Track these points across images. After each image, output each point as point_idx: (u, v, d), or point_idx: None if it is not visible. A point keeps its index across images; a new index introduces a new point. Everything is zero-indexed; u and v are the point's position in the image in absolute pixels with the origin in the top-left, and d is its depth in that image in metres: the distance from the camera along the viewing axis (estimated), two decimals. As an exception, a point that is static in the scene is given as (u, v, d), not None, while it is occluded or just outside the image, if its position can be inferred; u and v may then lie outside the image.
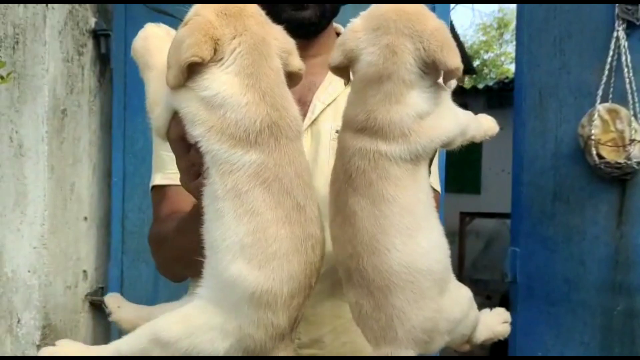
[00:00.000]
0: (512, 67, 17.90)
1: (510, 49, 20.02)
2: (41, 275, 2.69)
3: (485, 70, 19.71)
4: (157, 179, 1.50)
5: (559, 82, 2.77)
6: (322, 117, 1.48)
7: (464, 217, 9.10)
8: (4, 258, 2.68)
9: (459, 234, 9.11)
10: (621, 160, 2.53)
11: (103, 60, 3.03)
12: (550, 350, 2.75)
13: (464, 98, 9.77)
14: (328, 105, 1.49)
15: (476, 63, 17.95)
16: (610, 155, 2.56)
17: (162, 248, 1.37)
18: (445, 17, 2.84)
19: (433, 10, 2.87)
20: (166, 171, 1.48)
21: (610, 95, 2.62)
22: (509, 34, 19.90)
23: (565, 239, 2.74)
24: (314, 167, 1.42)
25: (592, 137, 2.57)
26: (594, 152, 2.57)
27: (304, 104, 1.49)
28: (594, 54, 2.67)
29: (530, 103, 2.83)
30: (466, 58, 10.38)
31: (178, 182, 1.40)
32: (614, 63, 2.61)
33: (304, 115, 1.47)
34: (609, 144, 2.56)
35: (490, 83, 9.93)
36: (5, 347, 2.69)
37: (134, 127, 2.90)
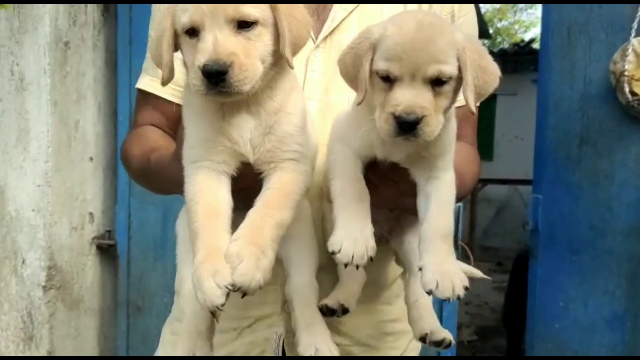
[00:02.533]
0: (525, 36, 17.50)
1: (525, 17, 19.57)
2: (46, 214, 2.61)
3: (499, 39, 19.30)
4: (144, 83, 1.43)
5: (589, 18, 2.60)
6: (344, 25, 1.34)
7: (475, 184, 8.88)
8: (6, 196, 2.60)
9: (470, 201, 9.00)
10: (656, 97, 2.38)
11: (107, -8, 2.89)
12: (572, 300, 2.65)
13: (478, 63, 9.48)
14: (351, 12, 1.34)
15: (490, 31, 17.56)
16: (644, 92, 2.41)
17: (131, 169, 1.39)
18: None
19: None
20: (154, 76, 1.39)
21: (646, 30, 2.46)
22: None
23: (592, 183, 2.61)
24: (332, 81, 1.31)
25: (626, 73, 2.41)
26: (627, 89, 2.42)
27: (324, 9, 1.35)
28: (629, -15, 2.50)
29: (557, 42, 2.66)
30: (481, 22, 10.12)
31: (161, 91, 1.39)
32: (651, -6, 2.44)
33: (323, 19, 1.34)
34: (644, 80, 2.41)
35: (506, 46, 9.69)
36: (10, 288, 2.62)
37: (141, 63, 2.74)
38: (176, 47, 1.07)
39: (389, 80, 1.02)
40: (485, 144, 10.06)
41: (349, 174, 1.13)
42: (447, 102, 1.03)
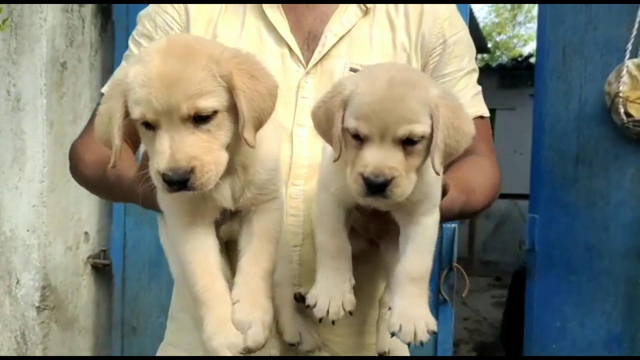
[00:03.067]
0: (524, 50, 17.58)
1: (524, 31, 19.67)
2: (40, 234, 2.60)
3: (497, 53, 19.40)
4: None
5: (584, 39, 2.61)
6: (334, 52, 1.35)
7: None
8: (2, 216, 2.59)
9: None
10: (651, 118, 2.38)
11: (104, 13, 2.90)
12: (569, 321, 2.63)
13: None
14: (341, 37, 1.35)
15: (489, 45, 17.66)
16: (639, 113, 2.42)
17: (82, 175, 1.39)
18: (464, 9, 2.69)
19: None
20: None
21: (641, 51, 2.47)
22: (522, 16, 19.53)
23: (588, 204, 2.60)
24: None
25: (620, 94, 2.42)
26: (622, 110, 2.43)
27: (314, 38, 1.36)
28: (623, 7, 2.52)
29: (552, 62, 2.68)
30: (479, 36, 10.17)
31: None
32: (645, 16, 2.46)
33: (313, 49, 1.36)
34: (638, 101, 2.42)
35: (504, 61, 9.73)
36: (4, 308, 2.61)
37: (137, 84, 2.76)
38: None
39: (359, 138, 1.00)
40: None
41: (331, 227, 1.14)
42: (419, 160, 1.02)
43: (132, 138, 1.30)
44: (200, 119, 0.97)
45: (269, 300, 1.10)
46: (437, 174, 1.02)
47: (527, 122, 2.97)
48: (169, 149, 0.94)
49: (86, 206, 2.87)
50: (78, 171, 1.40)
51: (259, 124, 1.02)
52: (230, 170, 1.05)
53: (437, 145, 0.99)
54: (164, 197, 1.11)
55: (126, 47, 2.79)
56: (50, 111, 2.58)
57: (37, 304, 2.61)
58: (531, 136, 2.75)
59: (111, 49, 2.89)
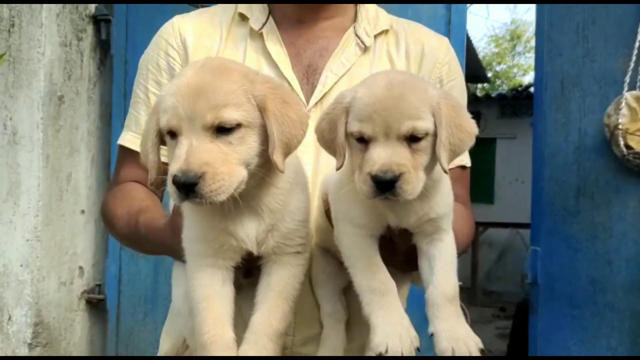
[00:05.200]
0: (524, 79, 17.73)
1: (523, 61, 19.87)
2: (34, 269, 2.57)
3: (498, 82, 19.57)
4: (127, 139, 1.42)
5: (582, 71, 2.61)
6: (334, 89, 1.35)
7: (477, 227, 8.84)
8: (-5, 251, 2.56)
9: (472, 244, 8.87)
10: (651, 150, 2.36)
11: (103, 47, 2.92)
12: (574, 357, 2.57)
13: (477, 107, 9.67)
14: (341, 77, 1.36)
15: (488, 75, 17.82)
16: (639, 145, 2.40)
17: (115, 229, 1.37)
18: (462, 18, 2.71)
19: (449, 10, 2.74)
20: (137, 132, 1.39)
21: (638, 83, 2.46)
22: (521, 46, 19.75)
23: (590, 236, 2.56)
24: None
25: (620, 127, 2.40)
26: (622, 143, 2.41)
27: (314, 72, 1.37)
28: (620, 39, 2.52)
29: (551, 94, 2.67)
30: (479, 66, 10.26)
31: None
32: (642, 49, 2.46)
33: (314, 85, 1.36)
34: (638, 133, 2.40)
35: (504, 91, 9.80)
36: (-5, 345, 2.56)
37: (135, 117, 2.77)
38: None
39: (364, 141, 1.01)
40: (485, 187, 10.04)
41: (371, 261, 1.10)
42: (425, 158, 1.02)
43: (160, 188, 1.33)
44: (222, 130, 0.97)
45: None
46: (445, 172, 1.02)
47: (528, 151, 2.95)
48: (185, 154, 0.94)
49: (81, 240, 2.84)
50: (112, 227, 1.39)
51: (287, 150, 1.02)
52: (256, 211, 1.05)
53: (442, 142, 1.00)
54: (189, 233, 1.09)
55: (124, 80, 2.84)
56: (47, 144, 2.58)
57: (29, 341, 2.56)
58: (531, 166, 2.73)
59: (109, 82, 2.91)
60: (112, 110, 2.88)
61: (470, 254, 8.85)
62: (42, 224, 2.58)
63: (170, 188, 0.96)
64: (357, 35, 1.39)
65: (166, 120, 0.98)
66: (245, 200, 1.03)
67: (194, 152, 0.94)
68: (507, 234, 9.33)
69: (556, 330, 2.61)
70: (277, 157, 0.99)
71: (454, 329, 1.04)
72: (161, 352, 1.42)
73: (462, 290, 2.52)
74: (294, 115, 1.02)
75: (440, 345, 1.04)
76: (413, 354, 1.05)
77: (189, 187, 0.94)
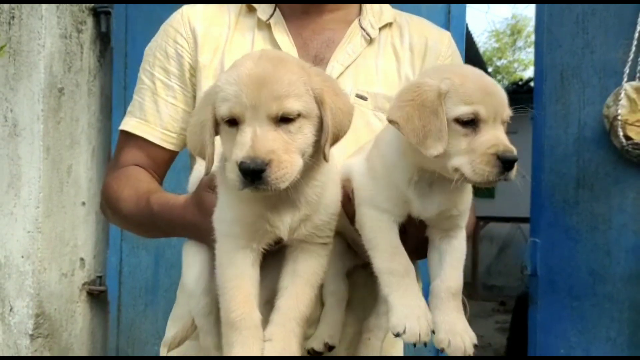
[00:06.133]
0: (525, 74, 17.69)
1: (524, 56, 19.84)
2: (35, 261, 2.57)
3: (498, 77, 19.54)
4: (131, 125, 1.43)
5: (582, 63, 2.61)
6: (340, 79, 1.36)
7: (477, 222, 8.89)
8: (-4, 242, 2.57)
9: (472, 239, 8.91)
10: (651, 141, 2.36)
11: (103, 39, 2.92)
12: (573, 348, 2.57)
13: (478, 101, 9.51)
14: (347, 67, 1.38)
15: (489, 70, 17.80)
16: (638, 136, 2.39)
17: (122, 211, 1.36)
18: (462, 12, 2.71)
19: (448, 11, 2.73)
20: (141, 118, 1.40)
21: (638, 74, 2.46)
22: (522, 41, 19.71)
23: (590, 228, 2.56)
24: None
25: (619, 118, 2.40)
26: (621, 133, 2.40)
27: (320, 62, 1.38)
28: (620, 30, 2.51)
29: (550, 86, 2.66)
30: (479, 61, 10.25)
31: (148, 134, 1.39)
32: (642, 39, 2.45)
33: None
34: (637, 124, 2.40)
35: (505, 85, 9.78)
36: (-4, 336, 2.57)
37: (135, 109, 2.77)
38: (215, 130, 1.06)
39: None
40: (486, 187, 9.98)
41: (391, 247, 1.12)
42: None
43: (161, 169, 1.37)
44: (284, 120, 0.99)
45: (299, 347, 1.10)
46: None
47: (529, 146, 2.96)
48: (250, 141, 0.96)
49: (82, 232, 2.85)
50: (118, 209, 1.37)
51: (336, 141, 1.06)
52: (294, 201, 1.08)
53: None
54: (224, 215, 1.10)
55: (125, 73, 2.84)
56: (47, 136, 2.58)
57: (30, 332, 2.57)
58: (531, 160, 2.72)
59: (110, 74, 2.91)
60: (112, 102, 2.88)
61: (471, 248, 8.82)
62: (43, 215, 2.58)
63: (232, 174, 0.97)
64: (362, 28, 1.41)
65: (228, 108, 0.99)
66: (286, 191, 1.04)
67: (259, 139, 0.96)
68: (508, 228, 9.34)
69: (556, 321, 2.61)
70: (327, 147, 1.03)
71: (453, 323, 1.08)
72: (167, 338, 1.43)
73: (463, 284, 2.53)
74: (344, 107, 1.06)
75: (438, 336, 1.07)
76: (429, 337, 1.08)
77: (255, 174, 0.94)
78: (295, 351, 1.08)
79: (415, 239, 1.15)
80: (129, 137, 1.42)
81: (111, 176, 1.42)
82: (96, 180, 2.92)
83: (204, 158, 1.07)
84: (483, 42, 19.95)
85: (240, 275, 1.09)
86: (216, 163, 1.10)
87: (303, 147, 1.01)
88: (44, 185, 2.57)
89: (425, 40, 1.42)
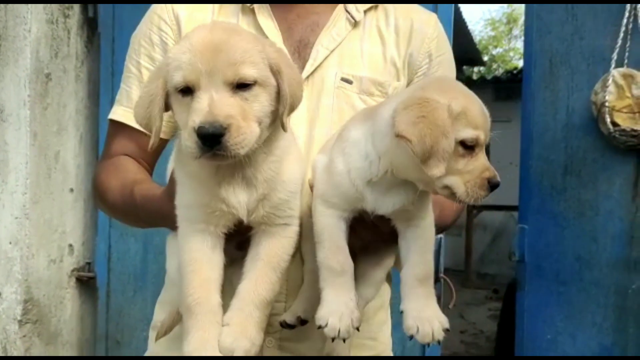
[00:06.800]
0: (520, 63, 17.64)
1: (519, 44, 19.79)
2: (23, 247, 2.57)
3: (494, 66, 19.48)
4: (118, 114, 1.42)
5: (571, 49, 2.61)
6: (325, 63, 1.36)
7: (470, 210, 8.91)
8: (-17, 229, 2.56)
9: (465, 227, 8.95)
10: (638, 127, 2.37)
11: (90, 25, 2.89)
12: (560, 333, 2.60)
13: (472, 90, 9.52)
14: (332, 51, 1.37)
15: (484, 59, 17.73)
16: (625, 122, 2.40)
17: (108, 201, 1.36)
18: (448, 12, 2.68)
19: (435, 9, 2.69)
20: (128, 107, 1.39)
21: (626, 60, 2.46)
22: (518, 30, 19.64)
23: (577, 214, 2.58)
24: (315, 116, 1.33)
25: (606, 104, 2.41)
26: (608, 120, 2.41)
27: (305, 46, 1.38)
28: (609, 17, 2.52)
29: (540, 72, 2.67)
30: (475, 50, 10.21)
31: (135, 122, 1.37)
32: (630, 26, 2.45)
33: (306, 59, 1.37)
34: (624, 110, 2.40)
35: (500, 74, 9.76)
36: (-15, 322, 2.57)
37: (123, 95, 2.76)
38: (166, 106, 1.04)
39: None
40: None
41: (334, 243, 1.13)
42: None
43: (150, 158, 1.36)
44: (240, 87, 0.98)
45: (259, 331, 1.08)
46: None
47: (522, 134, 2.96)
48: (208, 107, 0.94)
49: (70, 218, 2.84)
50: (105, 199, 1.38)
51: (291, 111, 1.06)
52: (250, 180, 1.06)
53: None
54: (181, 199, 1.09)
55: (112, 59, 2.82)
56: (34, 122, 2.56)
57: (19, 318, 2.57)
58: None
59: (97, 60, 2.88)
60: (99, 89, 2.86)
61: (464, 237, 8.90)
62: (31, 201, 2.58)
63: (189, 142, 0.95)
64: (347, 11, 1.39)
65: (182, 76, 0.97)
66: (241, 168, 1.03)
67: (217, 105, 0.94)
68: (501, 216, 9.36)
69: (543, 306, 2.63)
70: (285, 117, 1.02)
71: (421, 309, 1.09)
72: (155, 321, 1.43)
73: (456, 272, 2.55)
74: (297, 78, 1.06)
75: (406, 323, 1.09)
76: (350, 333, 1.12)
77: (214, 139, 0.93)
78: (253, 335, 1.06)
79: (388, 229, 1.15)
80: (117, 126, 1.42)
81: (100, 166, 1.43)
82: (84, 167, 2.91)
83: (150, 132, 1.04)
84: (479, 30, 19.91)
85: (198, 260, 1.07)
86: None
87: (260, 115, 1.00)
88: (31, 171, 2.56)
89: (411, 22, 1.41)
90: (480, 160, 1.03)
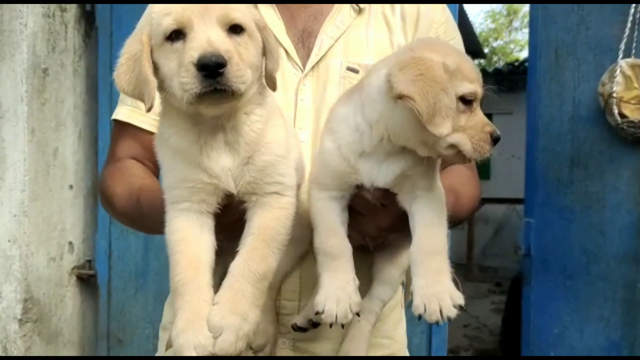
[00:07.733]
0: (521, 55, 17.59)
1: (520, 36, 19.70)
2: (22, 245, 2.53)
3: (495, 58, 19.41)
4: (122, 113, 1.39)
5: (577, 39, 2.56)
6: (330, 52, 1.32)
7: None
8: (-18, 227, 2.53)
9: (468, 221, 8.91)
10: (646, 118, 2.33)
11: (88, 19, 2.85)
12: (567, 327, 2.57)
13: (473, 82, 9.45)
14: (337, 40, 1.32)
15: (485, 51, 17.65)
16: (633, 113, 2.36)
17: (115, 207, 1.32)
18: (452, 7, 2.64)
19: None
20: (133, 106, 1.36)
21: (634, 51, 2.42)
22: (518, 22, 19.56)
23: (584, 207, 2.54)
24: (321, 107, 1.28)
25: (614, 95, 2.36)
26: (616, 111, 2.37)
27: (309, 36, 1.33)
28: (616, 6, 2.47)
29: (545, 63, 2.62)
30: (475, 42, 10.15)
31: (140, 122, 1.35)
32: (638, 15, 2.41)
33: (310, 49, 1.33)
34: (632, 101, 2.36)
35: (500, 65, 9.71)
36: (-16, 321, 2.54)
37: (122, 90, 2.71)
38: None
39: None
40: (482, 163, 9.97)
41: (328, 226, 1.11)
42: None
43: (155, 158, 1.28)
44: (232, 30, 0.95)
45: (252, 307, 1.00)
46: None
47: (524, 127, 2.92)
48: (206, 42, 0.90)
49: (70, 215, 2.80)
50: (112, 205, 1.34)
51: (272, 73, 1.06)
52: (232, 145, 1.01)
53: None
54: (165, 181, 1.05)
55: (110, 53, 2.77)
56: (32, 118, 2.52)
57: (19, 317, 2.54)
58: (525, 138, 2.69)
59: (95, 54, 2.84)
60: (98, 84, 2.82)
61: (466, 230, 8.87)
62: (29, 199, 2.54)
63: (187, 77, 0.90)
64: None
65: (172, 19, 0.93)
66: (223, 131, 1.00)
67: (214, 39, 0.91)
68: (504, 210, 9.33)
69: (549, 301, 2.60)
70: (275, 73, 1.02)
71: (430, 285, 1.00)
72: (165, 322, 1.40)
73: (458, 266, 2.51)
74: (277, 46, 1.08)
75: (414, 302, 1.01)
76: (349, 319, 1.07)
77: (217, 68, 0.88)
78: (244, 311, 0.99)
79: (395, 212, 1.11)
80: (122, 127, 1.38)
81: (107, 171, 1.39)
82: (83, 163, 2.87)
83: (142, 98, 0.99)
84: (479, 22, 19.83)
85: (184, 240, 1.02)
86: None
87: (252, 62, 0.97)
88: (29, 168, 2.52)
89: (417, 7, 1.37)
90: (479, 115, 1.02)
